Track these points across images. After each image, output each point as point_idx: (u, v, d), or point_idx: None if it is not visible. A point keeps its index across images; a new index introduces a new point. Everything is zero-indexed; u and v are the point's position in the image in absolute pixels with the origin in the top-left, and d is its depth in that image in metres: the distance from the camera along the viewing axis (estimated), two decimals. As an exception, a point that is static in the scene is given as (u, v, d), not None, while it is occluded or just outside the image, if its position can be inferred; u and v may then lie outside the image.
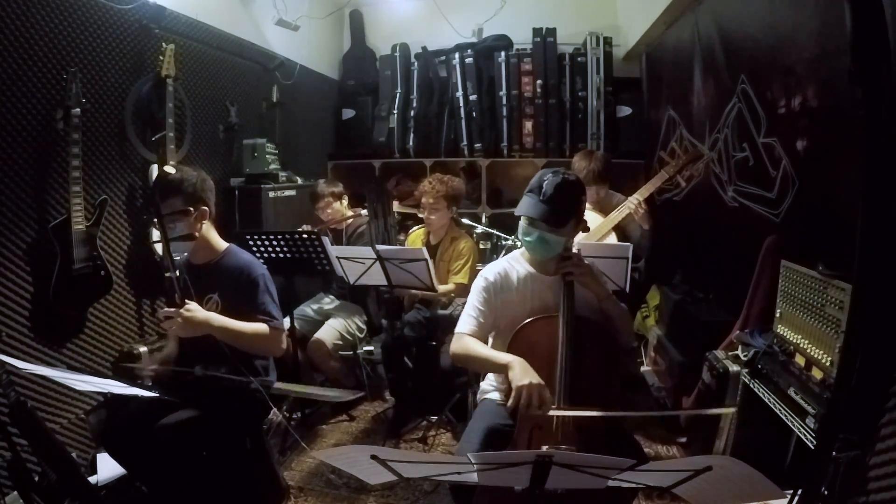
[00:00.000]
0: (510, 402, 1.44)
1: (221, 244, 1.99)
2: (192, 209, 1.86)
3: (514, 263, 1.77)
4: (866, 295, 1.16)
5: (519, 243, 1.78)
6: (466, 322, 1.70)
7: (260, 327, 1.86)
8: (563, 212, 1.60)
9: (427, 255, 2.42)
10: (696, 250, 3.13)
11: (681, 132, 3.35)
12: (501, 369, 1.55)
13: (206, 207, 1.91)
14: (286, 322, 2.61)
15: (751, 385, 1.85)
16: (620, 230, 2.81)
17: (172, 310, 1.74)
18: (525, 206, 1.63)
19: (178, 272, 1.77)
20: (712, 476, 1.00)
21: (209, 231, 1.95)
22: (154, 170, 2.59)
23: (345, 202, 3.16)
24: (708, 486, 1.03)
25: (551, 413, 1.44)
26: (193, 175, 1.91)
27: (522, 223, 1.67)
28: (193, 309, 1.75)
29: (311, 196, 3.13)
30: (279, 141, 3.59)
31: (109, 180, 2.43)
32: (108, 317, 2.42)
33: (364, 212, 3.16)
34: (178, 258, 1.93)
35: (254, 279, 1.90)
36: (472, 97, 4.36)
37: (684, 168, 2.95)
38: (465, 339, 1.67)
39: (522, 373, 1.47)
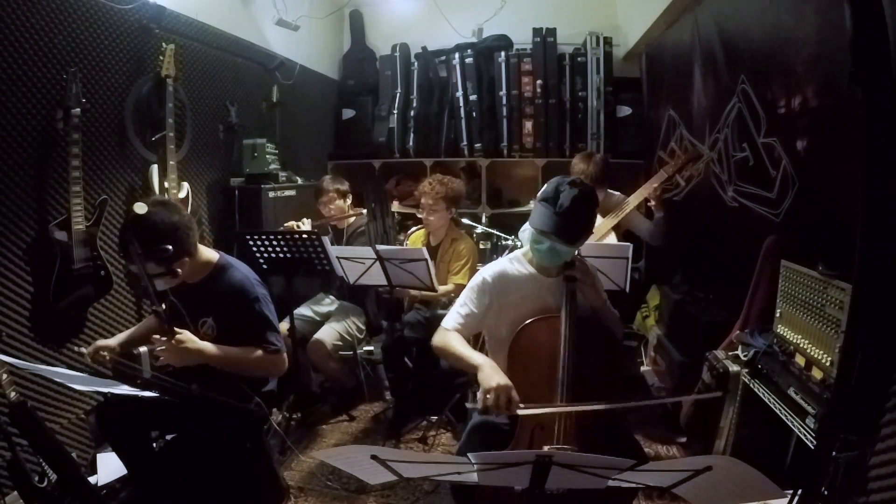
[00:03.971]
0: (479, 402, 1.47)
1: (212, 257, 1.89)
2: (169, 265, 1.72)
3: (516, 264, 1.76)
4: (866, 295, 1.16)
5: (519, 243, 1.78)
6: (453, 318, 1.72)
7: (256, 354, 1.81)
8: (578, 227, 1.58)
9: (427, 256, 2.43)
10: (696, 250, 3.13)
11: (681, 132, 3.34)
12: (471, 369, 1.57)
13: (187, 259, 1.78)
14: (286, 322, 2.63)
15: (751, 385, 1.85)
16: (620, 229, 2.82)
17: (164, 339, 1.68)
18: (539, 218, 1.59)
19: (163, 306, 1.70)
20: (712, 476, 1.01)
21: (194, 258, 1.82)
22: (154, 170, 2.59)
23: (348, 201, 3.15)
24: (708, 486, 1.03)
25: (520, 412, 1.46)
26: (172, 226, 1.71)
27: (533, 231, 1.64)
28: (185, 339, 1.68)
29: (316, 190, 3.13)
30: (279, 141, 3.59)
31: (109, 180, 2.42)
32: (108, 317, 2.42)
33: (366, 211, 3.16)
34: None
35: (249, 303, 1.83)
36: (472, 97, 4.35)
37: (683, 168, 2.96)
38: (448, 335, 1.69)
39: (490, 374, 1.49)
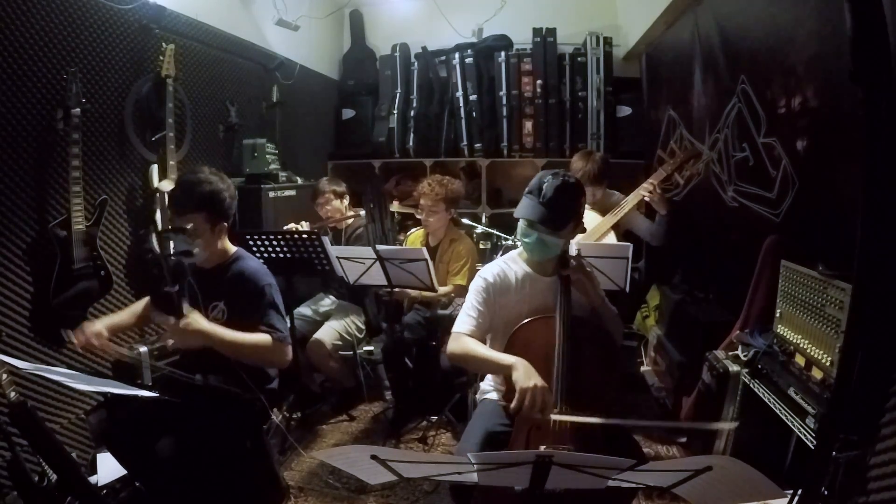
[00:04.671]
0: (514, 404, 1.43)
1: (230, 248, 1.95)
2: (213, 226, 1.83)
3: (512, 264, 1.77)
4: (866, 295, 1.16)
5: (519, 243, 1.79)
6: (465, 322, 1.69)
7: (262, 339, 1.81)
8: (562, 214, 1.60)
9: (427, 256, 2.42)
10: (696, 250, 3.13)
11: (681, 132, 3.34)
12: (504, 370, 1.53)
13: (225, 225, 1.88)
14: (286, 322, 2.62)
15: (751, 385, 1.85)
16: (620, 228, 2.82)
17: (171, 317, 1.69)
18: (524, 208, 1.63)
19: (177, 287, 1.69)
20: (712, 476, 1.00)
21: (221, 238, 1.90)
22: (154, 170, 2.59)
23: (346, 202, 3.15)
24: (708, 486, 1.03)
25: (553, 417, 1.43)
26: (224, 186, 1.85)
27: (521, 224, 1.67)
28: (192, 319, 1.70)
29: (313, 192, 3.13)
30: (279, 141, 3.59)
31: (109, 180, 2.42)
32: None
33: (364, 212, 3.16)
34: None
35: (260, 289, 1.86)
36: (472, 97, 4.35)
37: (682, 166, 2.96)
38: (464, 339, 1.66)
39: (526, 375, 1.46)
